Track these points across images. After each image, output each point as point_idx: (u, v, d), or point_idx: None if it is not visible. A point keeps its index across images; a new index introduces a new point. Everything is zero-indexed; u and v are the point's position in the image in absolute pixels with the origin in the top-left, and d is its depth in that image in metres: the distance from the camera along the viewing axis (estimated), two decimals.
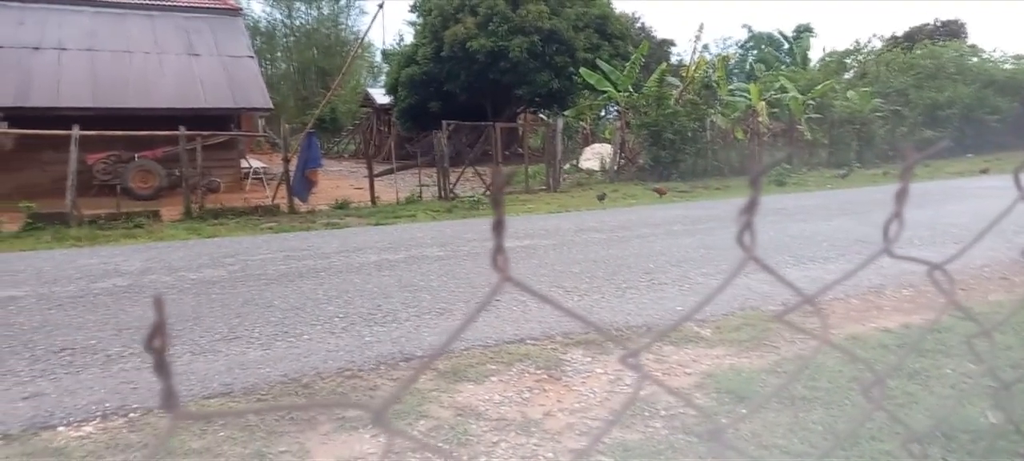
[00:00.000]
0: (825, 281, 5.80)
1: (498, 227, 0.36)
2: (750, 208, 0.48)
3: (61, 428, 3.31)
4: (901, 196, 0.54)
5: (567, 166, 20.29)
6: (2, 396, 3.68)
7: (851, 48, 31.95)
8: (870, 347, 4.41)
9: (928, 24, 37.45)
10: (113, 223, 11.04)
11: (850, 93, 23.81)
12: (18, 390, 3.76)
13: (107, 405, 3.55)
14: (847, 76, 29.13)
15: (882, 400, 0.58)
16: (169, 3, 18.80)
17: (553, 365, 4.13)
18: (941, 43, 29.82)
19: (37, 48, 15.63)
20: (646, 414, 3.49)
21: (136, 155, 14.90)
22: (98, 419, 3.40)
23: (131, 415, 3.45)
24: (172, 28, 17.80)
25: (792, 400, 3.61)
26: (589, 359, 4.25)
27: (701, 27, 26.17)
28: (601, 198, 14.18)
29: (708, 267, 6.86)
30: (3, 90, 13.64)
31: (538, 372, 4.04)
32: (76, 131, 11.58)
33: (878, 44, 33.53)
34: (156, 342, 0.37)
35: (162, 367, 0.37)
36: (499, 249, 0.36)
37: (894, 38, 35.93)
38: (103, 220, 11.14)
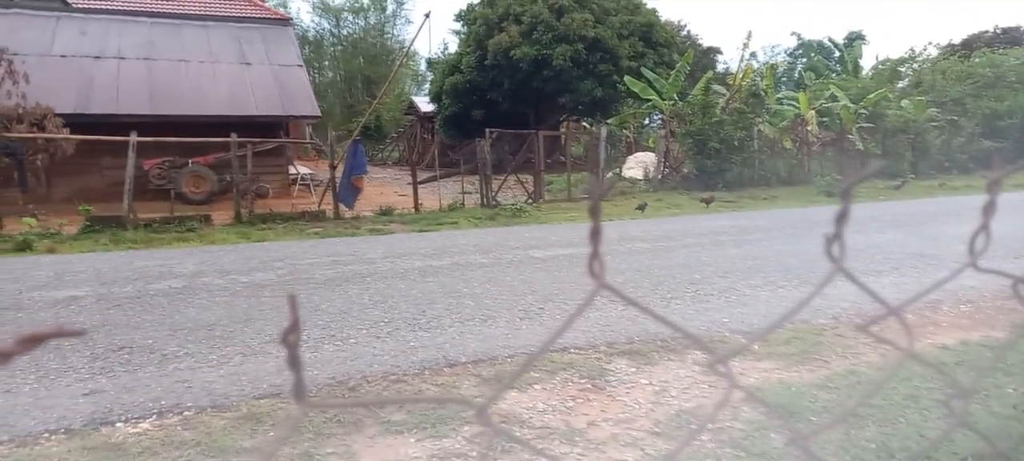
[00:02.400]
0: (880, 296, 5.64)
1: (595, 235, 0.36)
2: (841, 219, 0.47)
3: (119, 424, 3.42)
4: (989, 210, 0.53)
5: (610, 174, 20.18)
6: (64, 392, 3.83)
7: (905, 56, 31.08)
8: (926, 364, 4.27)
9: (987, 31, 36.26)
10: (166, 226, 11.39)
11: (904, 102, 23.17)
12: (79, 386, 3.90)
13: (163, 403, 3.66)
14: (901, 85, 28.36)
15: (965, 414, 0.57)
16: (223, 14, 19.37)
17: (597, 374, 4.11)
18: (1001, 51, 28.78)
19: (98, 57, 16.28)
20: (692, 427, 3.45)
21: (190, 161, 15.35)
22: (154, 416, 3.51)
23: (185, 413, 3.55)
24: (226, 38, 18.33)
25: (843, 417, 3.52)
26: (634, 369, 4.21)
27: (749, 35, 25.80)
28: (641, 208, 13.99)
29: (756, 279, 6.74)
30: (66, 97, 14.21)
31: (582, 381, 4.02)
32: (134, 137, 12.00)
33: (934, 52, 32.54)
34: (291, 337, 0.38)
35: (295, 360, 0.39)
36: (595, 256, 0.37)
37: (951, 46, 34.85)
38: (157, 223, 11.50)
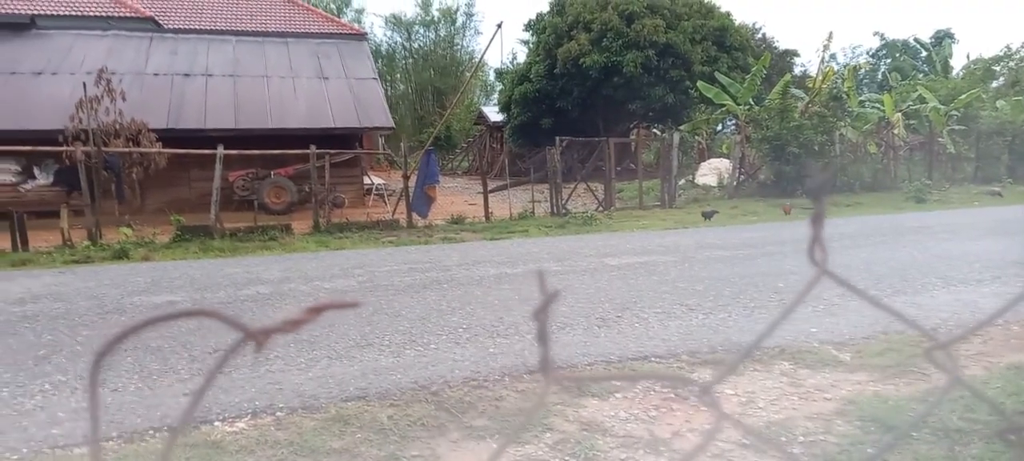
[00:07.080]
0: (980, 306, 5.33)
1: (818, 220, 0.35)
2: None
3: (217, 423, 3.57)
4: None
5: (682, 182, 19.83)
6: (166, 392, 4.03)
7: (1000, 54, 29.31)
8: None
9: None
10: (250, 235, 11.86)
11: (1000, 103, 21.88)
12: (179, 386, 4.10)
13: (257, 404, 3.80)
14: (995, 85, 26.77)
15: None
16: (302, 31, 20.11)
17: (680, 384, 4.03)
18: None
19: (188, 75, 17.15)
20: (783, 439, 3.34)
21: (271, 173, 15.95)
22: (249, 416, 3.65)
23: (278, 414, 3.68)
24: (305, 54, 19.01)
25: (946, 432, 3.33)
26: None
27: (830, 35, 24.89)
28: (708, 216, 13.48)
29: (844, 288, 6.47)
30: (158, 113, 15.03)
31: (664, 390, 3.95)
32: (220, 151, 12.57)
33: None
34: (542, 315, 0.39)
35: (543, 335, 0.40)
36: (817, 241, 0.36)
37: None
38: (242, 233, 11.99)
